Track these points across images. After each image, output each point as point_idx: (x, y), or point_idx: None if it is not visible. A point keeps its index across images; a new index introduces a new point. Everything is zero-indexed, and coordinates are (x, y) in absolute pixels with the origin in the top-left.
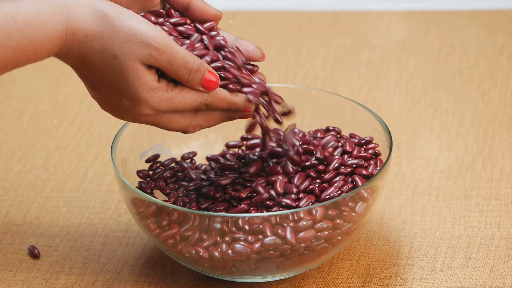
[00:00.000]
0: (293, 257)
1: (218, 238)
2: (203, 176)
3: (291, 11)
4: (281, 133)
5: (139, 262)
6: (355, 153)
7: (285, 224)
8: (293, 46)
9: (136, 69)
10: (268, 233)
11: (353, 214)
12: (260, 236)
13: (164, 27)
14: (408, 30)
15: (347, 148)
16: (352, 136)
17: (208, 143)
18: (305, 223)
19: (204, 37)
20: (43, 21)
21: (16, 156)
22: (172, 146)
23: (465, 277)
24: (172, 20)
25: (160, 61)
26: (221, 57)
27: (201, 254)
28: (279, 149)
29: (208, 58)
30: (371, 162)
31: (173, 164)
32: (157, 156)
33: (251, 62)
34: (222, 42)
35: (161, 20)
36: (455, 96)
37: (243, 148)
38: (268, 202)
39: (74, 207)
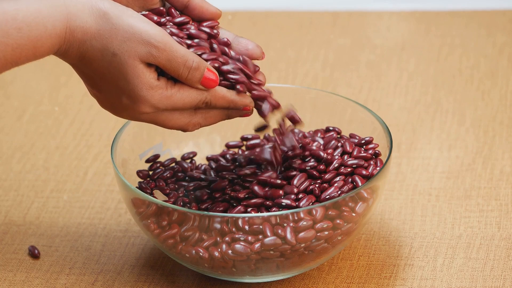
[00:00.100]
0: (293, 257)
1: (218, 238)
2: (203, 176)
3: (291, 11)
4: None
5: (139, 262)
6: (355, 153)
7: (285, 224)
8: (293, 46)
9: (136, 67)
10: (268, 233)
11: (353, 214)
12: (260, 236)
13: (188, 42)
14: (408, 30)
15: (347, 148)
16: (352, 136)
17: (208, 143)
18: (305, 223)
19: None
20: (42, 20)
21: (16, 156)
22: (172, 146)
23: (465, 277)
24: (177, 20)
25: (159, 59)
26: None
27: (201, 254)
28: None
29: (230, 68)
30: (371, 162)
31: (173, 164)
32: (157, 156)
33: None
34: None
35: (163, 20)
36: (455, 96)
37: (243, 148)
38: (268, 202)
39: (74, 207)
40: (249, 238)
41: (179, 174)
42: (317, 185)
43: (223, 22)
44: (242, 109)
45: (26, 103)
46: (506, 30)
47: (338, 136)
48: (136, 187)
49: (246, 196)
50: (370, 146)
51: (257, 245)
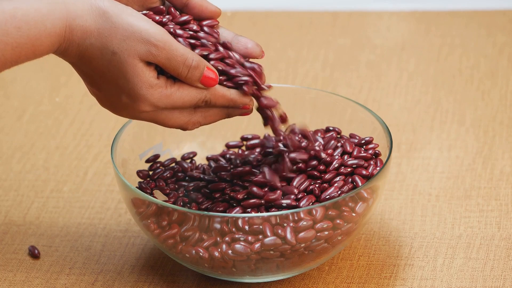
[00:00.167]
0: (293, 257)
1: (218, 238)
2: (202, 176)
3: (291, 11)
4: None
5: (139, 262)
6: (355, 153)
7: (285, 224)
8: (293, 46)
9: (135, 66)
10: (268, 233)
11: (353, 214)
12: (260, 236)
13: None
14: (408, 30)
15: (347, 148)
16: (352, 136)
17: (208, 143)
18: (305, 223)
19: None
20: (42, 19)
21: (16, 156)
22: (172, 146)
23: (465, 277)
24: (181, 19)
25: (159, 58)
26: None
27: (201, 254)
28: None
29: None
30: (371, 162)
31: (173, 164)
32: (157, 156)
33: (250, 60)
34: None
35: (165, 19)
36: (455, 96)
37: (243, 148)
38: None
39: (74, 207)
40: (249, 238)
41: (179, 174)
42: (317, 185)
43: (222, 18)
44: (241, 107)
45: (26, 103)
46: (506, 30)
47: (338, 136)
48: (136, 187)
49: (245, 196)
50: (370, 146)
51: (257, 245)
